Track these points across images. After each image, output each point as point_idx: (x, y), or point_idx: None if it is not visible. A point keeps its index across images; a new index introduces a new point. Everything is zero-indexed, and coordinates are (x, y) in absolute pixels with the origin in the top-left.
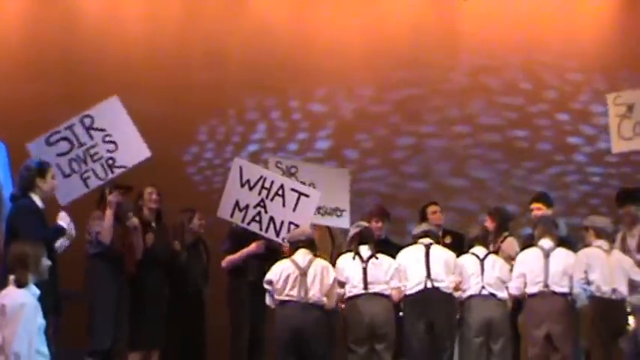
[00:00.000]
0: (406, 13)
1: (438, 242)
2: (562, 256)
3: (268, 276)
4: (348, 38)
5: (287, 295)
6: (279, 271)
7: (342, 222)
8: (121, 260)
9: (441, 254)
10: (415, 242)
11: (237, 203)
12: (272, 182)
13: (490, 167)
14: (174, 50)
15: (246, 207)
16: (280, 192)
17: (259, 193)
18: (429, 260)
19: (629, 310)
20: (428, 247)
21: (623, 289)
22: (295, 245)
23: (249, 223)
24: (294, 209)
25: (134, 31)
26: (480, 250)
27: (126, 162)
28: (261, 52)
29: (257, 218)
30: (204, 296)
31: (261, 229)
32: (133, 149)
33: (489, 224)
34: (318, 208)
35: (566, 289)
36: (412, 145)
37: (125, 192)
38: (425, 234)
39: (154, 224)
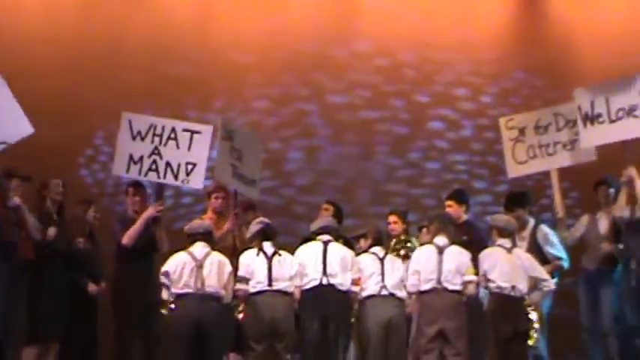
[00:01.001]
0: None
1: (337, 239)
2: (455, 254)
3: (164, 267)
4: (246, 49)
5: (184, 287)
6: (175, 263)
7: (252, 192)
8: (10, 246)
9: (338, 251)
10: (314, 238)
11: (131, 157)
12: (163, 127)
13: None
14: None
15: (141, 158)
16: (173, 135)
17: (152, 142)
18: (326, 257)
19: (529, 309)
20: (326, 243)
21: (523, 287)
22: (193, 237)
23: (146, 174)
24: (188, 149)
25: (33, 20)
26: (379, 249)
27: (6, 138)
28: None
29: (153, 167)
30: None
31: (159, 177)
32: (14, 125)
33: (399, 226)
34: (234, 168)
35: (458, 287)
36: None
37: (23, 181)
38: (323, 230)
39: (56, 217)
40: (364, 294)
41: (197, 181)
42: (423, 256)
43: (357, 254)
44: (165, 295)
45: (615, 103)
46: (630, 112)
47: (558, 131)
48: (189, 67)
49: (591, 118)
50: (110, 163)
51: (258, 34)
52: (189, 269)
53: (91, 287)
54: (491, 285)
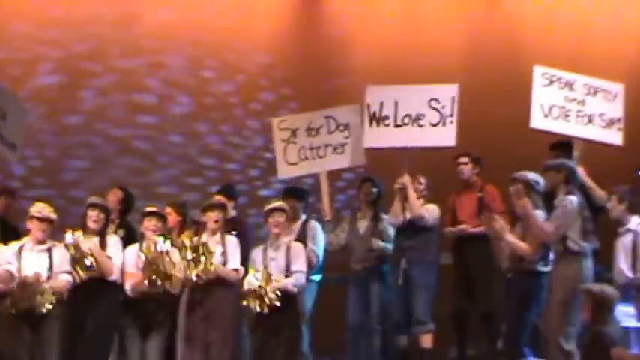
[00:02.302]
0: None
1: None
2: None
3: None
4: None
5: None
6: None
7: (11, 156)
8: None
9: None
10: None
11: None
12: None
13: None
14: None
15: None
16: None
17: None
18: None
19: None
20: None
21: None
22: None
23: None
24: None
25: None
26: None
27: None
28: None
29: None
30: None
31: None
32: None
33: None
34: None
35: None
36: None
37: None
38: None
39: None
40: None
41: None
42: None
43: None
44: None
45: (403, 109)
46: (416, 120)
47: (329, 134)
48: None
49: (378, 119)
50: None
51: None
52: None
53: None
54: None
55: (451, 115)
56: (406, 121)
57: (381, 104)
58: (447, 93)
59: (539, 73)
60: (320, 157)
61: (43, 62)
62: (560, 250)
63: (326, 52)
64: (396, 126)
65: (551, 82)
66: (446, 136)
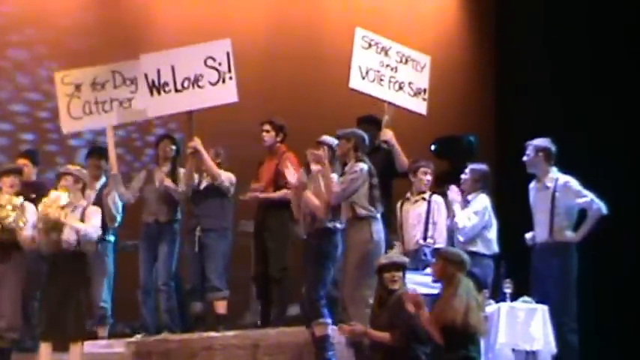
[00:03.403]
0: None
1: None
2: None
3: None
4: None
5: None
6: None
7: None
8: None
9: None
10: None
11: None
12: None
13: None
14: None
15: None
16: None
17: None
18: None
19: None
20: None
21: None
22: None
23: None
24: None
25: None
26: None
27: None
28: None
29: None
30: None
31: None
32: None
33: None
34: None
35: None
36: None
37: None
38: None
39: None
40: None
41: None
42: None
43: None
44: None
45: (181, 73)
46: (195, 82)
47: (115, 88)
48: None
49: (158, 87)
50: None
51: None
52: None
53: None
54: None
55: (229, 71)
56: (186, 84)
57: (158, 71)
58: (221, 48)
59: (359, 35)
60: (105, 112)
61: None
62: (349, 215)
63: (125, 25)
64: (177, 91)
65: (370, 45)
66: (227, 94)
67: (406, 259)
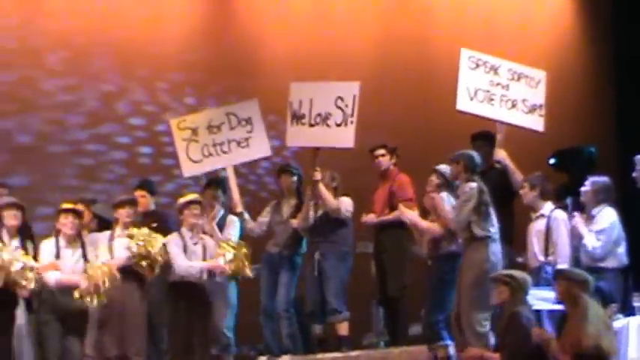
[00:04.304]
0: None
1: None
2: None
3: None
4: None
5: None
6: None
7: None
8: None
9: None
10: None
11: None
12: None
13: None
14: None
15: None
16: None
17: None
18: None
19: None
20: None
21: None
22: None
23: None
24: None
25: None
26: None
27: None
28: None
29: None
30: None
31: None
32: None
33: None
34: None
35: None
36: None
37: None
38: None
39: None
40: None
41: None
42: None
43: None
44: None
45: (316, 107)
46: (325, 119)
47: (231, 130)
48: None
49: (297, 118)
50: None
51: None
52: None
53: None
54: None
55: (352, 115)
56: (317, 120)
57: (300, 102)
58: (350, 90)
59: (465, 56)
60: (224, 153)
61: None
62: (466, 236)
63: (238, 52)
64: (310, 125)
65: (477, 65)
66: (346, 137)
67: (516, 276)
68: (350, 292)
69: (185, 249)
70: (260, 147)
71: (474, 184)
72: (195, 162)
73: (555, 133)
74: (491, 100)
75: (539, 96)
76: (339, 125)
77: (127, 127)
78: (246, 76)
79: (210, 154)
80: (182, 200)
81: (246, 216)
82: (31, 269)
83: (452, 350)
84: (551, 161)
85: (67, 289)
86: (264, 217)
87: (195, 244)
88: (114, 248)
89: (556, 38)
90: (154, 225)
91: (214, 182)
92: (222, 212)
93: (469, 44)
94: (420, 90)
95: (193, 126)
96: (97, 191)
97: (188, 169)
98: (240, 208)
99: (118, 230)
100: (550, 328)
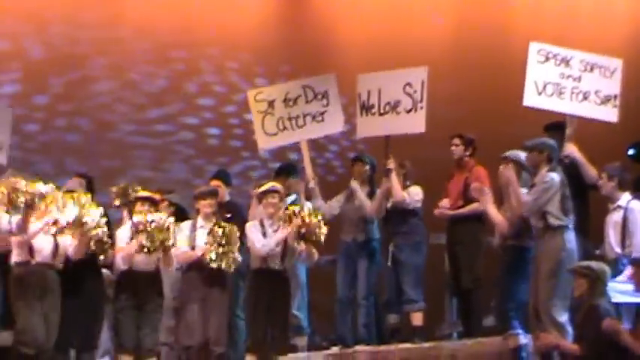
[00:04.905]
0: None
1: None
2: None
3: None
4: None
5: None
6: None
7: (1, 158)
8: None
9: None
10: None
11: None
12: None
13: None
14: None
15: None
16: None
17: None
18: None
19: None
20: None
21: None
22: None
23: None
24: None
25: None
26: None
27: None
28: None
29: None
30: None
31: None
32: None
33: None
34: None
35: None
36: None
37: None
38: None
39: None
40: None
41: None
42: None
43: None
44: None
45: (385, 96)
46: (394, 107)
47: (307, 103)
48: None
49: (366, 108)
50: None
51: None
52: None
53: None
54: None
55: (421, 101)
56: (387, 108)
57: (369, 93)
58: (418, 76)
59: (535, 49)
60: (299, 127)
61: None
62: (541, 226)
63: (310, 35)
64: (380, 114)
65: (547, 58)
66: (417, 123)
67: (595, 267)
68: (423, 283)
69: (264, 236)
70: (334, 122)
71: (555, 175)
72: (269, 135)
73: (633, 124)
74: (562, 93)
75: (614, 86)
76: (408, 112)
77: (195, 108)
78: (318, 59)
79: (285, 128)
80: (260, 189)
81: (317, 192)
82: (108, 242)
83: (523, 339)
84: (630, 152)
85: (148, 276)
86: (337, 202)
87: (274, 231)
88: (196, 237)
89: (636, 26)
90: (228, 215)
91: (285, 169)
92: (294, 197)
93: (546, 33)
94: (495, 80)
95: (270, 98)
96: (164, 170)
97: (263, 143)
98: (312, 184)
99: (200, 221)
100: (628, 322)
